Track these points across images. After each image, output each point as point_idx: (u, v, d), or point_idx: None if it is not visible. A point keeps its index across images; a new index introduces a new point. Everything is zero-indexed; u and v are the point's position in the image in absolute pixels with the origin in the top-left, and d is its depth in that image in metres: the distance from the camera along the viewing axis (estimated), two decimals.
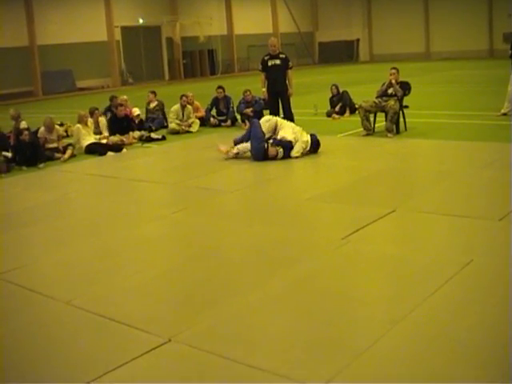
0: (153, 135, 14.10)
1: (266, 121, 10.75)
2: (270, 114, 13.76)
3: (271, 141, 10.36)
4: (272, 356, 3.92)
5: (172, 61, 41.53)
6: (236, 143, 10.68)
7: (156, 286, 5.25)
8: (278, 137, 10.40)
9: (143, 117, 15.67)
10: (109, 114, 14.64)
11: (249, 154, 10.43)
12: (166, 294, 5.10)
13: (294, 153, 10.28)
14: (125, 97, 15.72)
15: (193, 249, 6.12)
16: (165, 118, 15.80)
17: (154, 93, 16.42)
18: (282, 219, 6.95)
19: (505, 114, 13.57)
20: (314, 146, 10.54)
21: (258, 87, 14.16)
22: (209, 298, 4.85)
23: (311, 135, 10.59)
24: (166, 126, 15.28)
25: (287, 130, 10.47)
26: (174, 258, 6.00)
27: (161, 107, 16.15)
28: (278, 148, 10.20)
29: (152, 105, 16.06)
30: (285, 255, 5.69)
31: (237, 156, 10.53)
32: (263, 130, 10.49)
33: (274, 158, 10.18)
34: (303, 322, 4.37)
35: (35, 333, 4.52)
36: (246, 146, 10.45)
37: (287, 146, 10.24)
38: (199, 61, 43.04)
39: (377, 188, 8.20)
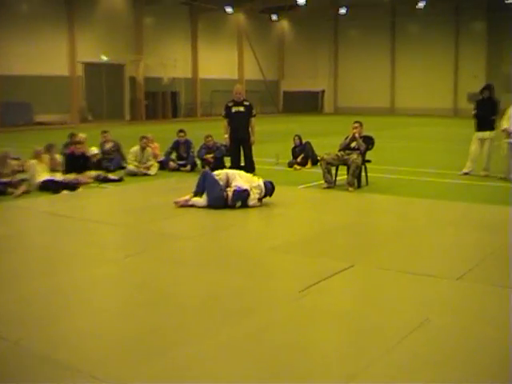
0: (110, 176, 14.06)
1: (217, 175, 10.65)
2: (232, 161, 13.90)
3: (229, 189, 10.37)
4: None
5: (134, 100, 41.69)
6: (194, 194, 10.54)
7: (106, 331, 5.20)
8: (233, 186, 10.40)
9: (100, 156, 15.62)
10: (66, 152, 14.60)
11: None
12: (116, 339, 5.05)
13: (251, 201, 10.33)
14: (83, 135, 15.67)
15: (146, 294, 6.09)
16: (122, 159, 15.78)
17: (107, 132, 16.42)
18: (239, 268, 6.97)
19: (466, 174, 13.88)
20: (269, 190, 10.60)
21: (221, 133, 14.29)
22: (159, 345, 4.82)
23: (265, 182, 10.63)
24: (124, 167, 15.27)
25: (240, 180, 10.52)
26: (126, 303, 5.96)
27: (117, 148, 16.13)
28: (236, 202, 10.22)
29: (108, 145, 16.03)
30: (241, 305, 5.70)
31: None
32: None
33: (233, 206, 10.22)
34: (256, 373, 4.37)
35: None
36: (201, 201, 10.36)
37: (244, 196, 10.30)
38: (162, 102, 43.32)
39: (336, 241, 8.29)
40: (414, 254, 7.54)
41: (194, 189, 10.56)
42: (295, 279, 6.58)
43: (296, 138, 16.48)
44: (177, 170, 15.37)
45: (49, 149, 13.58)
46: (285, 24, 55.59)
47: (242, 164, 13.87)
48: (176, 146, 15.79)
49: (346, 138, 12.82)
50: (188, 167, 15.36)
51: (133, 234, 8.84)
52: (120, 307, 5.81)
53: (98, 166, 14.75)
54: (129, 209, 10.75)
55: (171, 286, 6.38)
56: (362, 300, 5.92)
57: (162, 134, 21.82)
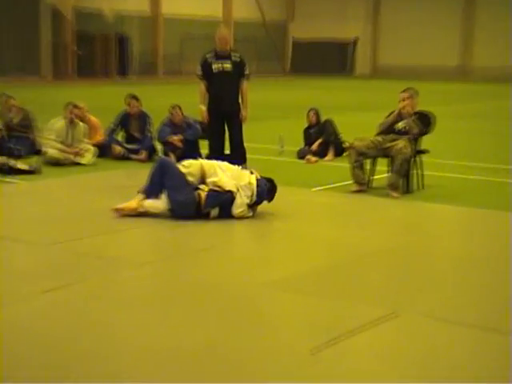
0: (18, 164, 13.99)
1: (186, 167, 10.62)
2: (211, 147, 13.93)
3: (203, 187, 10.35)
4: None
5: (58, 47, 41.40)
6: (146, 195, 10.55)
7: None
8: (210, 184, 10.42)
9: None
10: None
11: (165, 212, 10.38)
12: None
13: (237, 209, 10.35)
14: None
15: (73, 348, 6.10)
16: (37, 138, 15.76)
17: (11, 97, 16.38)
18: (216, 314, 6.99)
19: None
20: (266, 193, 10.63)
21: (195, 102, 14.32)
22: None
23: (261, 180, 10.68)
24: (40, 152, 15.26)
25: (221, 175, 10.51)
26: (44, 362, 5.97)
27: (28, 121, 16.08)
28: (211, 210, 10.23)
29: (13, 117, 15.96)
30: (218, 370, 5.72)
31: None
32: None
33: (208, 215, 10.28)
34: None
35: None
36: (158, 206, 10.43)
37: (225, 200, 10.36)
38: (103, 51, 43.18)
39: (370, 275, 8.34)
40: (483, 298, 7.57)
41: (143, 187, 10.55)
42: (303, 333, 6.59)
43: (311, 113, 16.56)
44: (125, 158, 15.40)
45: None
46: None
47: (227, 152, 13.93)
48: (124, 122, 15.83)
49: (390, 115, 12.88)
50: (143, 154, 15.39)
51: (56, 257, 8.85)
52: (36, 368, 5.82)
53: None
54: (50, 217, 10.77)
55: (113, 336, 6.41)
56: (408, 369, 5.91)
57: (102, 102, 21.89)
